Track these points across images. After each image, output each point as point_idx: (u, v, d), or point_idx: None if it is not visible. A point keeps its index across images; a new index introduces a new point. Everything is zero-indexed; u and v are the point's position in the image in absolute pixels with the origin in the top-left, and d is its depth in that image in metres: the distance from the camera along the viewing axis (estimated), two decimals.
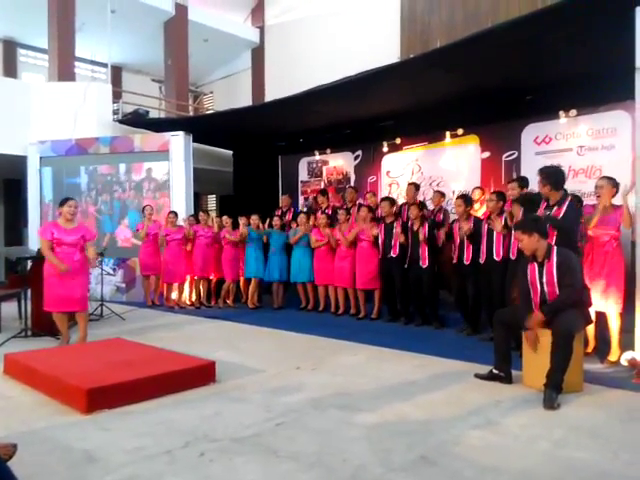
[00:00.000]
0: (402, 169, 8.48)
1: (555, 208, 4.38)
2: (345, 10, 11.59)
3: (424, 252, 6.14)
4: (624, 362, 4.22)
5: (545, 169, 4.61)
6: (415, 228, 6.25)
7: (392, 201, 6.85)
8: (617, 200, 4.62)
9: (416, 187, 7.32)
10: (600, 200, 4.61)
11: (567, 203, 4.36)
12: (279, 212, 8.55)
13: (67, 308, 5.31)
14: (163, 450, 2.81)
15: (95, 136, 9.22)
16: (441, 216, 6.96)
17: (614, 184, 4.60)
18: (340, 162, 9.46)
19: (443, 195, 7.20)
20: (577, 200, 5.54)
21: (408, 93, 7.13)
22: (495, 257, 5.34)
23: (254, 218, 7.88)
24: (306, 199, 9.77)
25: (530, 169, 6.33)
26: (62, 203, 5.37)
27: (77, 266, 5.25)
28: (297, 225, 7.70)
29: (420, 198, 7.39)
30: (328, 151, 9.54)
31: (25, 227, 9.65)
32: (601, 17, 4.69)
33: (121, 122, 9.90)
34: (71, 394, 3.52)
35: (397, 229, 6.42)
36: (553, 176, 4.45)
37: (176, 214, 8.13)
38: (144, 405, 3.52)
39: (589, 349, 4.63)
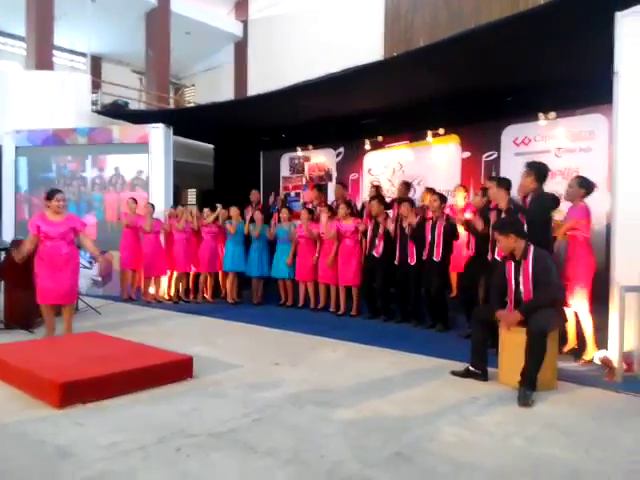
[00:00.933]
0: (384, 167, 8.52)
1: (527, 199, 4.51)
2: (329, 6, 11.59)
3: (412, 250, 6.16)
4: (597, 361, 4.30)
5: (533, 162, 4.68)
6: (405, 225, 6.27)
7: (381, 199, 6.86)
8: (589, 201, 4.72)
9: (407, 185, 7.35)
10: (569, 200, 4.75)
11: (532, 195, 4.44)
12: (260, 207, 8.51)
13: (54, 301, 5.27)
14: (138, 446, 2.77)
15: (73, 127, 9.05)
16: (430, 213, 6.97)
17: (581, 184, 4.70)
18: (322, 159, 9.46)
19: (432, 191, 7.19)
20: (553, 199, 5.62)
21: (391, 91, 7.14)
22: (471, 254, 5.42)
23: (233, 209, 7.84)
24: (287, 195, 9.74)
25: (509, 170, 6.41)
26: (50, 197, 5.22)
27: (65, 259, 5.18)
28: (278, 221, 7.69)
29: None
30: (310, 147, 9.53)
31: None
32: (581, 21, 4.76)
33: (100, 113, 9.73)
34: (44, 388, 3.46)
35: (390, 224, 6.44)
36: (538, 168, 4.53)
37: (153, 206, 8.03)
38: (119, 400, 3.47)
39: (568, 348, 4.71)
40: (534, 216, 4.35)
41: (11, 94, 9.11)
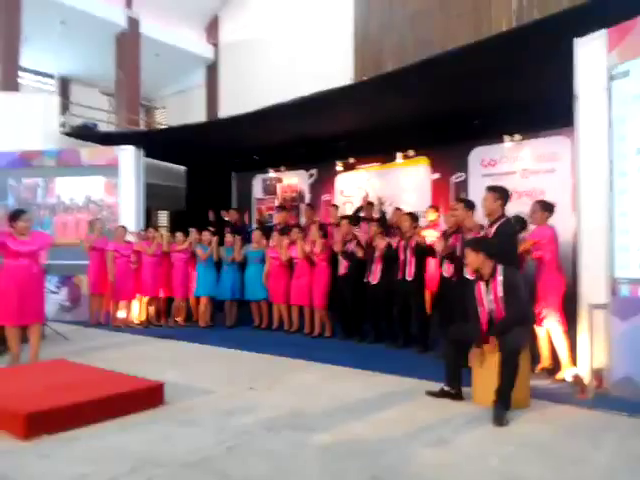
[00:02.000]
0: (356, 188, 8.59)
1: (493, 226, 4.46)
2: (300, 30, 11.76)
3: (377, 269, 6.21)
4: (569, 378, 4.37)
5: (496, 185, 4.74)
6: (374, 244, 6.32)
7: (350, 219, 6.91)
8: (553, 221, 4.86)
9: (370, 205, 7.44)
10: (533, 222, 4.86)
11: (499, 223, 4.43)
12: (228, 229, 8.47)
13: (23, 321, 5.14)
14: (108, 477, 2.68)
15: (40, 149, 8.88)
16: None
17: (544, 207, 4.84)
18: (294, 180, 9.50)
19: (401, 211, 7.30)
20: (521, 222, 5.76)
21: (361, 114, 7.27)
22: (445, 274, 5.47)
23: (205, 234, 7.78)
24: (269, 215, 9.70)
25: (477, 191, 6.51)
26: (15, 217, 5.12)
27: (35, 278, 5.16)
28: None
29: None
30: (282, 169, 9.58)
31: None
32: (542, 47, 4.94)
33: (68, 135, 9.59)
34: (8, 418, 3.32)
35: (352, 245, 6.47)
36: (504, 191, 4.58)
37: (125, 228, 7.91)
38: (88, 430, 3.35)
39: (541, 366, 4.76)
40: (506, 241, 4.38)
41: None
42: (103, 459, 2.92)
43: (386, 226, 6.75)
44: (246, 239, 8.02)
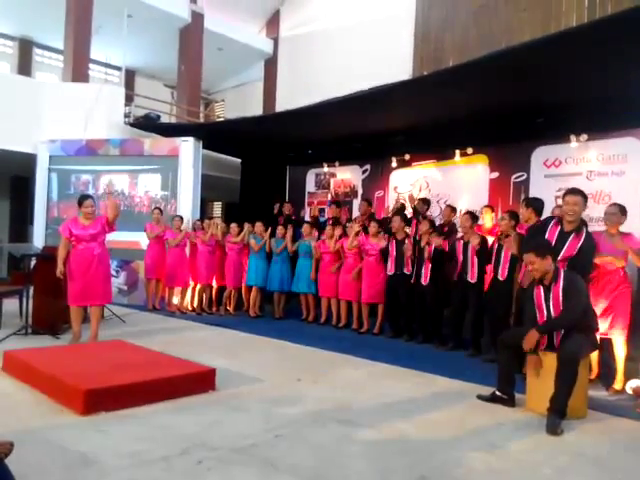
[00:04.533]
0: (410, 185, 8.48)
1: (573, 236, 4.01)
2: (359, 25, 11.68)
3: (427, 269, 6.12)
4: (629, 390, 4.17)
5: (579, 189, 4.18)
6: (423, 244, 6.22)
7: (403, 216, 6.82)
8: (624, 227, 4.60)
9: (425, 202, 7.31)
10: (608, 227, 4.59)
11: (585, 234, 4.02)
12: (281, 220, 8.55)
13: (87, 302, 5.50)
14: (160, 456, 2.77)
15: (105, 138, 9.25)
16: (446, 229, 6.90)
17: (623, 211, 4.59)
18: (348, 175, 9.47)
19: (454, 210, 7.16)
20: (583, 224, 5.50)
21: (419, 110, 7.14)
22: (499, 277, 5.32)
23: (258, 225, 7.89)
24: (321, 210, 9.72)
25: (539, 191, 6.32)
26: (80, 203, 5.53)
27: (97, 260, 5.40)
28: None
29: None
30: (336, 164, 9.56)
31: (31, 225, 9.64)
32: (616, 42, 4.70)
33: (132, 125, 9.94)
34: (69, 394, 3.48)
35: (408, 244, 6.37)
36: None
37: (182, 218, 8.13)
38: (142, 409, 3.48)
39: (592, 375, 4.58)
40: (588, 257, 4.05)
41: (47, 105, 9.35)
42: (156, 438, 3.02)
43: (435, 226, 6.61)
44: (298, 233, 8.08)
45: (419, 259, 6.23)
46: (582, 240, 3.97)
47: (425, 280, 6.12)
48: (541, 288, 3.83)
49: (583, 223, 4.13)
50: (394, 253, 6.51)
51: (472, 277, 5.70)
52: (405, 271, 6.39)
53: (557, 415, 3.43)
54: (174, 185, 8.85)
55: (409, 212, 7.54)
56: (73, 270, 5.37)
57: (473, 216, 5.94)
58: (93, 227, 5.44)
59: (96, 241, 5.42)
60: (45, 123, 9.29)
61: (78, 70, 10.17)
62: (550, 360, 3.63)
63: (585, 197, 4.08)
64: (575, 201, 4.00)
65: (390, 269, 6.53)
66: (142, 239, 8.29)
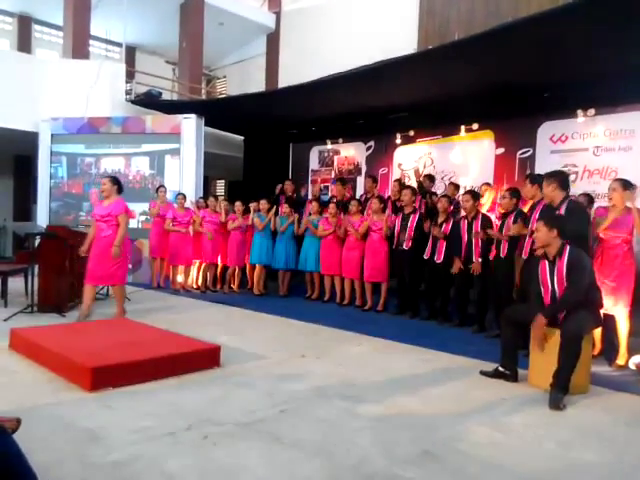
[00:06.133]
0: (414, 162, 8.41)
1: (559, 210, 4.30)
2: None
3: (441, 247, 6.08)
4: (632, 366, 4.19)
5: (555, 172, 4.57)
6: (439, 222, 6.18)
7: (414, 190, 6.76)
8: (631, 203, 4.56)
9: (430, 179, 7.25)
10: (612, 202, 4.55)
11: (566, 202, 4.28)
12: (292, 198, 8.51)
13: (95, 281, 5.65)
14: (167, 431, 2.80)
15: (107, 115, 9.19)
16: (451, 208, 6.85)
17: (626, 186, 4.53)
18: (352, 152, 9.40)
19: (457, 187, 7.12)
20: (589, 199, 5.48)
21: (424, 85, 7.05)
22: (501, 254, 5.29)
23: (263, 202, 7.87)
24: (321, 189, 9.66)
25: (545, 167, 6.25)
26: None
27: (105, 241, 5.49)
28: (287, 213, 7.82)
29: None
30: (340, 140, 9.49)
31: (34, 203, 9.65)
32: (623, 15, 4.59)
33: (134, 102, 9.85)
34: (76, 371, 3.52)
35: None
36: (561, 179, 4.41)
37: (185, 196, 8.11)
38: (149, 386, 3.52)
39: (595, 351, 4.59)
40: (577, 220, 4.19)
41: (48, 82, 9.27)
42: (163, 414, 3.05)
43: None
44: (300, 212, 8.05)
45: (433, 236, 6.18)
46: (565, 204, 4.26)
47: (439, 258, 6.09)
48: (546, 263, 3.83)
49: (566, 198, 4.35)
50: (399, 228, 6.48)
51: (476, 256, 5.68)
52: (404, 247, 6.38)
53: (560, 390, 3.45)
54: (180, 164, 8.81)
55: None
56: (89, 249, 5.55)
57: (474, 194, 5.89)
58: (107, 208, 5.55)
59: (106, 223, 5.51)
60: (46, 101, 9.22)
61: (78, 46, 10.04)
62: (554, 336, 3.63)
63: (554, 179, 4.36)
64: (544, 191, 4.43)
65: (395, 245, 6.52)
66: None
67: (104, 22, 11.99)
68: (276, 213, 7.87)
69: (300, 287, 7.87)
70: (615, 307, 4.43)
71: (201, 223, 7.97)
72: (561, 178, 4.41)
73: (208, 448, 2.63)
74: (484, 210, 6.38)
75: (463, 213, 6.01)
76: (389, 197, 7.54)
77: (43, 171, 9.27)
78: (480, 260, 5.61)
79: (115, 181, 5.67)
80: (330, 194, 9.30)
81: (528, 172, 6.62)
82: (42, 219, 9.04)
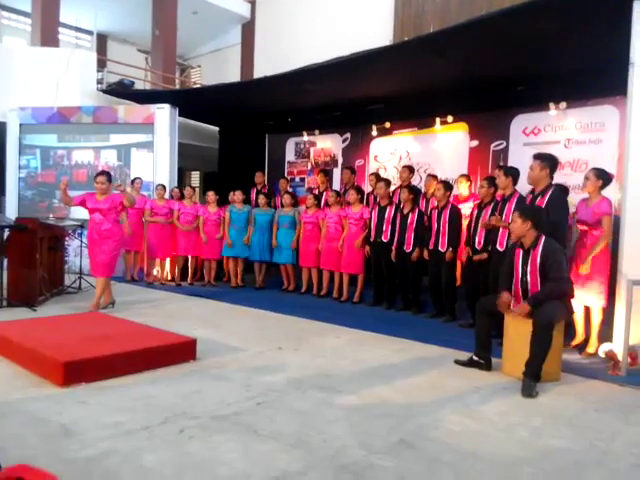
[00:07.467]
0: (390, 154, 8.44)
1: (539, 198, 4.39)
2: None
3: (409, 237, 6.15)
4: (602, 354, 4.29)
5: (545, 154, 4.57)
6: (405, 212, 6.24)
7: (388, 183, 6.75)
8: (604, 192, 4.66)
9: (410, 170, 7.27)
10: (585, 190, 4.66)
11: (549, 193, 4.34)
12: (265, 190, 8.46)
13: (93, 272, 5.97)
14: (141, 426, 2.77)
15: (78, 105, 8.98)
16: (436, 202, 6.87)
17: (599, 175, 4.62)
18: (328, 144, 9.38)
19: (435, 178, 7.15)
20: (562, 190, 5.57)
21: (399, 77, 7.05)
22: (476, 245, 5.35)
23: (238, 194, 7.81)
24: (292, 179, 9.64)
25: (517, 160, 6.34)
26: (94, 178, 5.86)
27: (105, 235, 5.73)
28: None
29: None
30: (316, 132, 9.44)
31: (2, 195, 9.40)
32: (597, 10, 4.66)
33: (105, 92, 9.64)
34: (48, 367, 3.46)
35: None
36: (553, 162, 4.46)
37: (164, 187, 8.00)
38: (122, 380, 3.47)
39: (575, 342, 4.69)
40: (558, 213, 4.26)
41: (16, 71, 9.00)
42: (137, 409, 3.02)
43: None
44: (269, 203, 7.97)
45: (401, 226, 6.23)
46: (547, 199, 4.31)
47: (408, 247, 6.14)
48: (521, 251, 3.91)
49: (551, 185, 4.43)
50: (376, 220, 6.51)
51: (442, 246, 5.75)
52: (383, 239, 6.41)
53: (532, 378, 3.52)
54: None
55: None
56: (88, 241, 5.89)
57: (446, 185, 5.95)
58: (104, 203, 5.73)
59: (105, 217, 5.71)
60: (14, 90, 8.96)
61: (47, 34, 9.78)
62: (525, 325, 3.70)
63: (547, 161, 4.44)
64: (531, 166, 4.48)
65: (372, 237, 6.55)
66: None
67: (74, 9, 11.68)
68: (256, 205, 7.83)
69: (277, 279, 7.85)
70: (589, 298, 4.53)
71: (178, 217, 7.87)
72: (554, 164, 4.46)
73: (184, 442, 2.62)
74: (462, 201, 6.44)
75: (434, 204, 6.07)
76: (370, 192, 7.53)
77: (12, 162, 9.03)
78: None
79: (110, 178, 5.95)
80: (307, 186, 9.29)
81: (501, 164, 6.69)
82: (11, 211, 8.81)
